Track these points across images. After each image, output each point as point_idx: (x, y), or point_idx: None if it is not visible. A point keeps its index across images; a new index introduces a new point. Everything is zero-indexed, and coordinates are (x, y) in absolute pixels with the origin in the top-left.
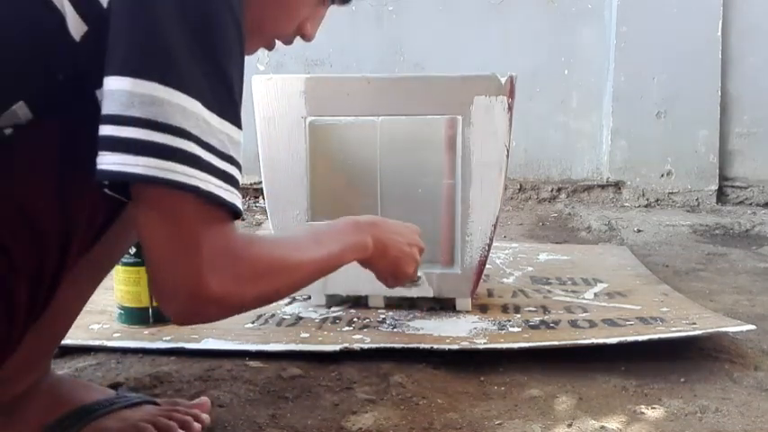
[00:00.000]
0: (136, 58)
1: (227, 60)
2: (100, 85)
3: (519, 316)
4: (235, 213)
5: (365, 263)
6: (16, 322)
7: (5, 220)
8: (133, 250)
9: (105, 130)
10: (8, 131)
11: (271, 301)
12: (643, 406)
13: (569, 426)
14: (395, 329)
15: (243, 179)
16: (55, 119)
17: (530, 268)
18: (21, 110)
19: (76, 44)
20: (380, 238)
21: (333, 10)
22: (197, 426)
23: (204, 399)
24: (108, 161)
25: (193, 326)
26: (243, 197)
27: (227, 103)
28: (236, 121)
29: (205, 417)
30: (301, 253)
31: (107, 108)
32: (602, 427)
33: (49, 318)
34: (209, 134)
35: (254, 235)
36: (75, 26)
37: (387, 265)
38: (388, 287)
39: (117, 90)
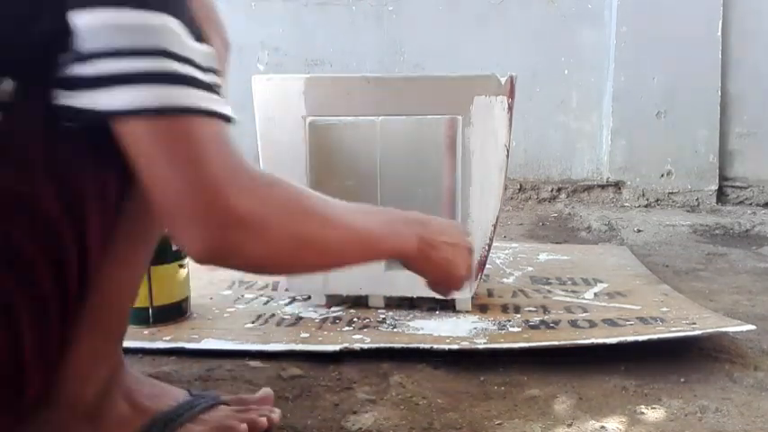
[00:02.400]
0: None
1: None
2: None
3: (519, 316)
4: (227, 119)
5: (410, 264)
6: (51, 319)
7: (10, 214)
8: None
9: (78, 68)
10: None
11: (302, 252)
12: (643, 406)
13: (569, 426)
14: (395, 329)
15: None
16: (37, 93)
17: (530, 268)
18: (6, 85)
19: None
20: (427, 239)
21: (333, 10)
22: (275, 416)
23: (268, 390)
24: (90, 101)
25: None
26: None
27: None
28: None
29: (277, 410)
30: (341, 215)
31: (77, 45)
32: (602, 427)
33: (102, 304)
34: (186, 49)
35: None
36: None
37: (433, 269)
38: (443, 296)
39: (86, 25)
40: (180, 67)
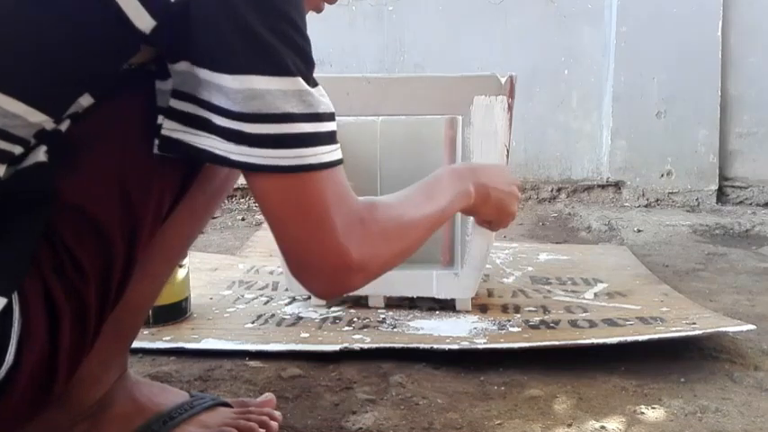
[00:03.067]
0: (232, 53)
1: (302, 29)
2: (164, 75)
3: (519, 316)
4: (341, 161)
5: (469, 211)
6: (88, 326)
7: (67, 222)
8: None
9: (218, 120)
10: (63, 126)
11: (403, 258)
12: (643, 406)
13: (569, 426)
14: (395, 329)
15: (242, 179)
16: (111, 106)
17: (530, 268)
18: (84, 100)
19: (146, 36)
20: (482, 183)
21: (333, 10)
22: (274, 425)
23: (270, 395)
24: (225, 149)
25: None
26: (243, 197)
27: (310, 68)
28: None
29: (278, 414)
30: (418, 210)
31: (217, 100)
32: (602, 427)
33: (123, 313)
34: (310, 104)
35: (370, 198)
36: (142, 20)
37: (490, 209)
38: (492, 230)
39: (225, 86)
40: (308, 127)
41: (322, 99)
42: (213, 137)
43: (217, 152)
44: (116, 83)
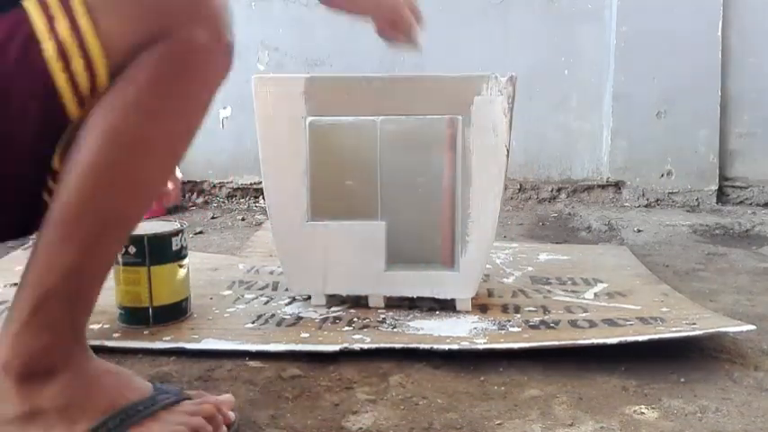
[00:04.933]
0: None
1: None
2: None
3: (519, 316)
4: None
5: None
6: None
7: None
8: (133, 250)
9: None
10: None
11: None
12: (643, 406)
13: (569, 426)
14: (395, 329)
15: (242, 179)
16: None
17: (530, 268)
18: None
19: None
20: None
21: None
22: (220, 418)
23: (229, 396)
24: None
25: (192, 326)
26: (243, 197)
27: None
28: None
29: (231, 415)
30: None
31: None
32: (602, 428)
33: (73, 278)
34: None
35: None
36: None
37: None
38: (387, 37)
39: None
40: None
41: None
42: None
43: None
44: None
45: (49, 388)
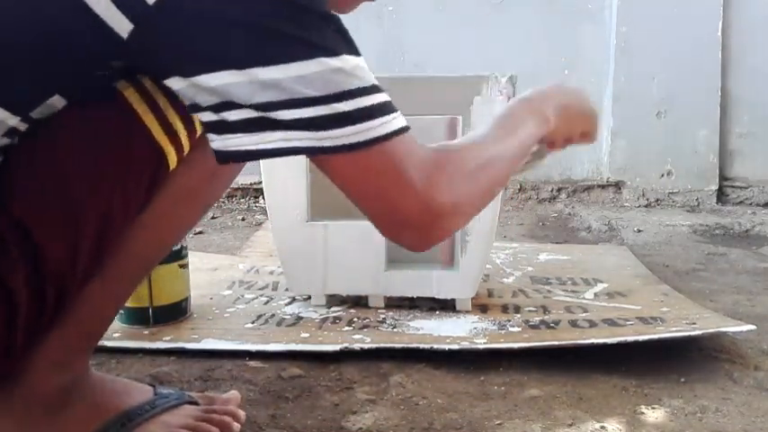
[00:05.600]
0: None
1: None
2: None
3: (519, 316)
4: (407, 128)
5: (549, 136)
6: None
7: (42, 216)
8: None
9: (278, 114)
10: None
11: (492, 193)
12: (643, 406)
13: (569, 426)
14: (395, 329)
15: (243, 179)
16: (86, 104)
17: (530, 268)
18: (57, 102)
19: (124, 41)
20: (559, 104)
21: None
22: (236, 426)
23: (235, 393)
24: (290, 140)
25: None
26: (243, 197)
27: (344, 42)
28: (352, 50)
29: (241, 413)
30: (496, 143)
31: (264, 96)
32: (602, 428)
33: (85, 313)
34: (362, 77)
35: (442, 143)
36: (119, 24)
37: (570, 126)
38: (558, 147)
39: (229, 83)
40: (368, 100)
41: (369, 72)
42: (274, 133)
43: (284, 146)
44: (91, 86)
45: (53, 394)
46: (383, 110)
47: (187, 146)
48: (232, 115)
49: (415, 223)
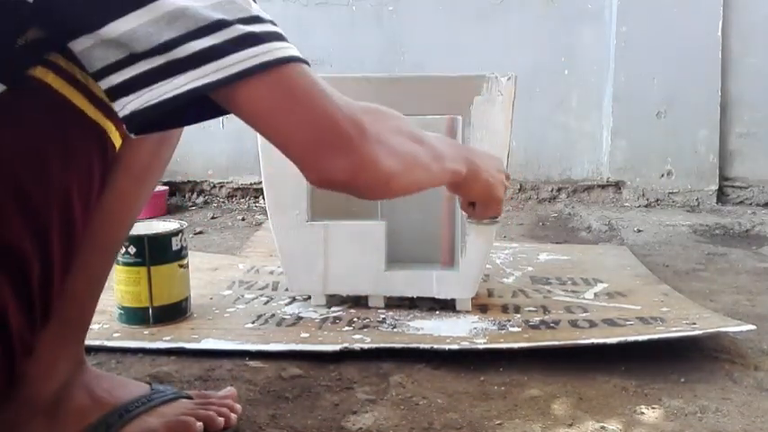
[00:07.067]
0: None
1: None
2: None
3: (519, 316)
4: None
5: (457, 187)
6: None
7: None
8: (133, 250)
9: (160, 60)
10: None
11: (412, 171)
12: (643, 406)
13: (569, 426)
14: (395, 329)
15: (243, 179)
16: (8, 99)
17: (530, 268)
18: None
19: (30, 4)
20: (474, 162)
21: (333, 10)
22: (233, 416)
23: (231, 389)
24: (176, 84)
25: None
26: (243, 197)
27: None
28: None
29: (238, 407)
30: (427, 139)
31: (135, 46)
32: (603, 428)
33: (68, 307)
34: (250, 8)
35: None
36: None
37: (478, 190)
38: (476, 218)
39: (135, 27)
40: (257, 27)
41: (254, 5)
42: (177, 77)
43: (190, 87)
44: (17, 64)
45: (50, 388)
46: (284, 38)
47: None
48: (135, 69)
49: (344, 143)
